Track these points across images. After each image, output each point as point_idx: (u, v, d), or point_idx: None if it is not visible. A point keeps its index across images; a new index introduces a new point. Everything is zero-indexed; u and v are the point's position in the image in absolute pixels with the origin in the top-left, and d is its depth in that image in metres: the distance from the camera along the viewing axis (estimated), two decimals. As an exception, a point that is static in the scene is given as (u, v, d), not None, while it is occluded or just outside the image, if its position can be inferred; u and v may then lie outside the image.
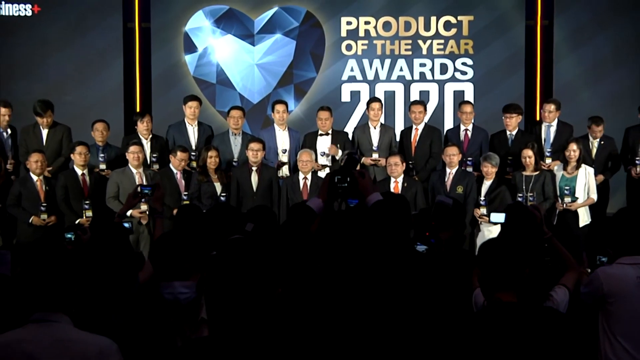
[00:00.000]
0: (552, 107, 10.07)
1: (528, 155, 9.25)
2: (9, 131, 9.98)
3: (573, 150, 9.24)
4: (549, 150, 9.66)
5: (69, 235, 6.00)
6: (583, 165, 9.30)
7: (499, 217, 5.35)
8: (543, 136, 10.04)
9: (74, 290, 3.63)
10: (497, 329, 3.53)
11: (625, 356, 4.87)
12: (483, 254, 3.89)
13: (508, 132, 9.98)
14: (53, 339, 3.50)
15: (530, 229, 4.92)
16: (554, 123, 10.07)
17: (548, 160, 9.52)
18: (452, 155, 9.41)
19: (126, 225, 6.17)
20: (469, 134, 10.12)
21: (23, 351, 3.50)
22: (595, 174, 9.44)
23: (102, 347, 3.55)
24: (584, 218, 9.30)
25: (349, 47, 11.67)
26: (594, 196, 9.25)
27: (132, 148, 9.32)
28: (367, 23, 11.65)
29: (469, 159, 9.63)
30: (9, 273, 5.87)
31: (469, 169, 9.55)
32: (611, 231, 5.22)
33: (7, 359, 3.53)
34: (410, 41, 11.66)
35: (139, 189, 6.10)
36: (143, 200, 8.61)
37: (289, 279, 3.97)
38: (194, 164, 9.57)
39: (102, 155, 9.68)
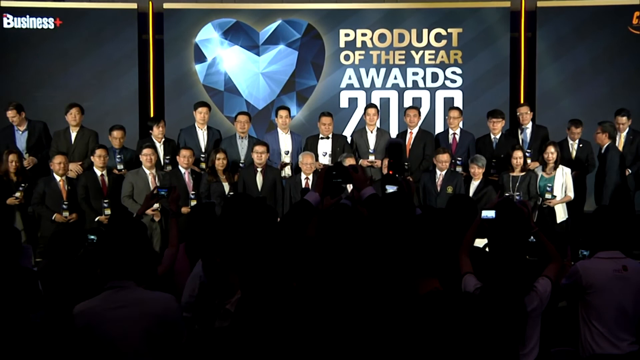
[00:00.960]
0: (525, 109, 10.20)
1: (518, 156, 9.30)
2: (24, 130, 10.06)
3: (551, 153, 9.29)
4: (529, 151, 9.69)
5: (92, 237, 6.03)
6: (560, 165, 9.34)
7: (489, 213, 5.35)
8: (521, 138, 10.09)
9: (138, 260, 4.21)
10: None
11: (602, 340, 5.00)
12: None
13: (493, 136, 10.03)
14: (127, 300, 4.06)
15: (519, 224, 4.93)
16: (529, 125, 10.14)
17: (528, 161, 9.54)
18: (444, 162, 9.45)
19: (162, 191, 6.14)
20: (457, 137, 10.16)
21: (105, 313, 4.02)
22: (573, 173, 9.47)
23: (167, 302, 4.18)
24: (561, 215, 9.33)
25: (347, 57, 11.70)
26: (571, 194, 9.29)
27: (145, 150, 9.35)
28: (363, 35, 11.67)
29: (458, 158, 9.68)
30: (31, 266, 5.91)
31: (458, 169, 9.59)
32: (590, 228, 5.26)
33: (95, 321, 4.03)
34: (403, 52, 11.67)
35: (155, 190, 6.11)
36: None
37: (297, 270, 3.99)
38: (203, 165, 9.60)
39: (119, 157, 9.71)
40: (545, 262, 4.76)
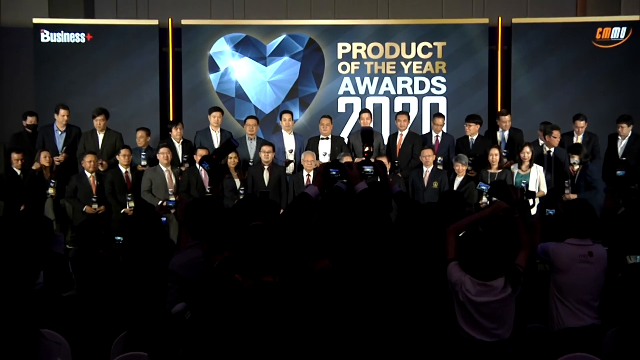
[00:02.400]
0: (508, 117, 10.21)
1: (494, 153, 9.29)
2: (62, 131, 10.09)
3: (527, 152, 9.26)
4: (505, 151, 9.69)
5: (118, 238, 6.03)
6: (534, 164, 9.33)
7: (484, 185, 5.39)
8: (499, 140, 10.11)
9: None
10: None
11: (567, 312, 5.08)
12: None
13: (470, 137, 10.04)
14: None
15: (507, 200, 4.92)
16: (507, 130, 10.16)
17: (505, 160, 9.54)
18: (428, 156, 9.52)
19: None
20: (439, 139, 10.21)
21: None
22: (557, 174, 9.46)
23: None
24: (535, 208, 9.28)
25: (344, 67, 11.68)
26: (544, 189, 9.27)
27: (162, 149, 9.40)
28: (359, 47, 11.65)
29: (439, 158, 9.69)
30: (62, 251, 5.91)
31: (439, 167, 9.60)
32: (563, 218, 5.28)
33: (189, 269, 4.28)
34: (394, 62, 11.66)
35: (164, 203, 6.10)
36: (172, 193, 8.80)
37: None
38: (216, 163, 9.59)
39: (143, 154, 9.75)
40: (517, 247, 4.75)
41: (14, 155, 9.49)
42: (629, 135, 9.85)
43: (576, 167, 9.11)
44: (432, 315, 4.51)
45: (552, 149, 9.56)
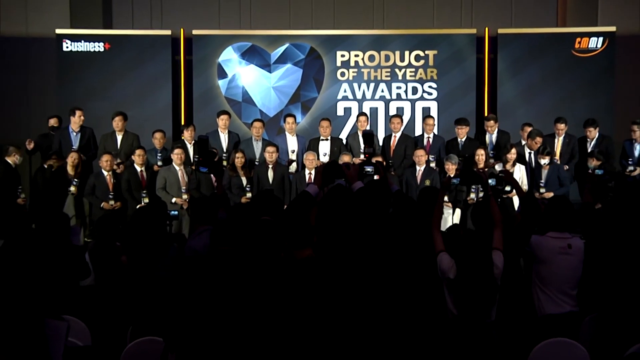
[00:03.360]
0: (492, 122, 10.20)
1: (481, 153, 9.28)
2: (77, 132, 10.10)
3: (512, 153, 9.27)
4: (492, 152, 9.68)
5: (175, 213, 6.03)
6: (517, 164, 9.34)
7: (455, 179, 5.48)
8: (487, 142, 10.10)
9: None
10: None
11: (547, 298, 5.09)
12: None
13: (459, 139, 10.03)
14: None
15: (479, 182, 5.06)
16: (495, 133, 10.15)
17: (491, 160, 9.53)
18: (421, 156, 9.49)
19: (174, 213, 6.18)
20: (430, 140, 10.17)
21: None
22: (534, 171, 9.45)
23: None
24: (517, 204, 9.29)
25: (342, 74, 11.66)
26: (526, 187, 9.27)
27: (176, 150, 9.39)
28: (356, 56, 11.63)
29: (432, 156, 9.67)
30: (79, 243, 5.91)
31: (432, 165, 9.59)
32: (544, 213, 5.29)
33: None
34: (389, 69, 11.64)
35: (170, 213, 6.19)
36: (184, 190, 8.78)
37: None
38: (225, 162, 9.59)
39: (159, 155, 9.74)
40: (489, 227, 4.74)
41: (12, 154, 9.54)
42: (596, 136, 9.93)
43: (547, 166, 9.21)
44: (424, 300, 4.50)
45: (532, 152, 9.59)
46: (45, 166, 9.50)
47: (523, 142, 9.86)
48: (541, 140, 9.57)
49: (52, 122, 10.40)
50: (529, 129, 9.87)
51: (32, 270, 4.28)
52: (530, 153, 9.63)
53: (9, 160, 9.50)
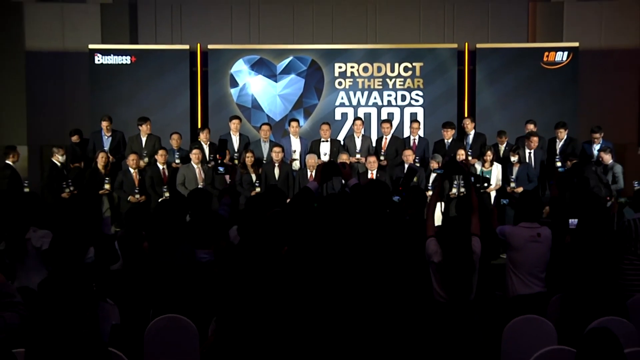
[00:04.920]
0: (469, 120, 10.25)
1: (461, 153, 9.31)
2: (109, 135, 10.18)
3: (489, 154, 9.30)
4: (470, 151, 9.70)
5: (221, 169, 6.03)
6: (495, 162, 9.35)
7: (439, 170, 5.46)
8: (466, 142, 10.11)
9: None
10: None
11: (520, 282, 5.13)
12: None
13: (445, 140, 10.02)
14: None
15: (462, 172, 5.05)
16: (472, 133, 10.15)
17: (469, 158, 9.53)
18: (408, 155, 9.52)
19: (221, 169, 6.06)
20: (416, 142, 10.17)
21: None
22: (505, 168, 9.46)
23: None
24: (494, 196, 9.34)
25: (340, 83, 11.65)
26: (500, 183, 9.29)
27: (194, 150, 9.41)
28: (352, 67, 11.62)
29: (416, 158, 9.68)
30: (109, 232, 5.91)
31: (417, 164, 9.60)
32: (516, 205, 5.31)
33: None
34: (381, 79, 11.63)
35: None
36: (202, 186, 8.73)
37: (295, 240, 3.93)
38: (236, 161, 9.60)
39: (177, 154, 9.74)
40: (469, 211, 4.71)
41: (57, 155, 9.67)
42: (565, 137, 9.94)
43: (517, 164, 9.26)
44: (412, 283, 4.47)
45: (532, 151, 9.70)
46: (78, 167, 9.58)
47: (500, 146, 9.94)
48: (536, 140, 9.65)
49: (74, 139, 10.38)
50: (501, 139, 9.96)
51: (84, 257, 4.28)
52: (529, 152, 9.71)
53: (54, 160, 9.59)
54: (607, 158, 9.36)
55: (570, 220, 5.23)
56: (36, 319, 3.19)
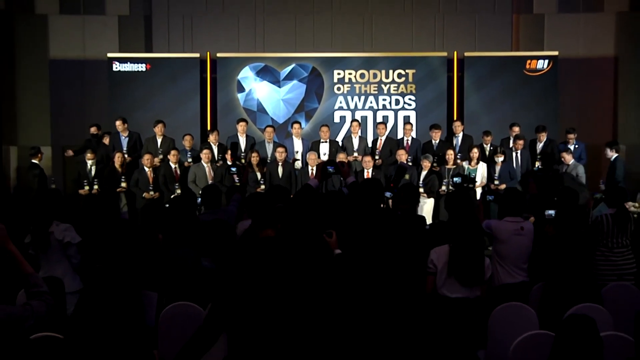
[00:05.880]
0: (458, 123, 10.26)
1: (450, 153, 9.31)
2: (126, 136, 10.19)
3: (475, 152, 9.30)
4: (459, 155, 9.71)
5: (233, 169, 6.04)
6: (480, 161, 9.35)
7: (388, 194, 5.39)
8: (455, 143, 10.11)
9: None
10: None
11: (504, 272, 5.12)
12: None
13: (433, 141, 10.02)
14: None
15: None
16: (460, 134, 10.15)
17: (458, 159, 9.54)
18: (402, 155, 9.51)
19: (233, 169, 6.12)
20: (409, 142, 10.16)
21: None
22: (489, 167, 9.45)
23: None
24: (479, 195, 9.31)
25: (338, 89, 11.65)
26: (485, 181, 9.30)
27: (205, 150, 9.41)
28: (350, 74, 11.62)
29: (409, 157, 9.67)
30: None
31: (409, 164, 9.60)
32: (501, 201, 5.31)
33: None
34: (376, 85, 11.63)
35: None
36: (212, 183, 8.69)
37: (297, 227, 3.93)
38: (243, 160, 9.60)
39: (190, 154, 9.74)
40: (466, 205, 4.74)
41: (88, 155, 9.64)
42: (545, 140, 9.95)
43: (500, 163, 9.31)
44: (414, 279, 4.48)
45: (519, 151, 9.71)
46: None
47: (485, 146, 9.93)
48: (522, 143, 9.70)
49: (93, 130, 10.61)
50: (488, 138, 9.94)
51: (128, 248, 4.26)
52: (515, 152, 9.73)
53: (87, 159, 9.67)
54: (569, 158, 9.28)
55: (546, 212, 5.22)
56: (87, 308, 3.12)
